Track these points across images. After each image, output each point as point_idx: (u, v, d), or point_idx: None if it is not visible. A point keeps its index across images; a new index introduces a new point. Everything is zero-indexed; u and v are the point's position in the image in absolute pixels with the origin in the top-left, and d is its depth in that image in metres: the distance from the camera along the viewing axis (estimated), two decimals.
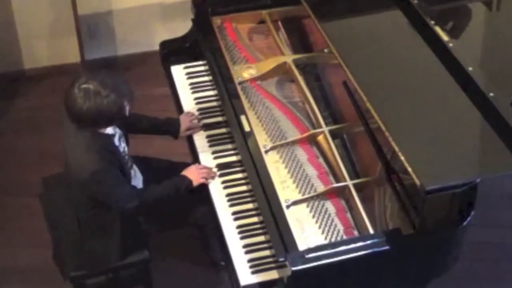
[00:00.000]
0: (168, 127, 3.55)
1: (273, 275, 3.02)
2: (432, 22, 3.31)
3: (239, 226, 3.18)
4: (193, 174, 3.31)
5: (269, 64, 3.61)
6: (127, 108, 3.10)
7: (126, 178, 3.24)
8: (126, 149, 3.30)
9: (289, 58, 3.61)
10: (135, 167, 3.42)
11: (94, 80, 3.02)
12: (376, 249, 2.87)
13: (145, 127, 3.51)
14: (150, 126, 3.52)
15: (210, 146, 3.50)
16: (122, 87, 3.07)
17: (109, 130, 3.17)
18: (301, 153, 3.30)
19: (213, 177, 3.32)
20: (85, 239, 3.37)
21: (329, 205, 3.13)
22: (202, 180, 3.30)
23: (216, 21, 3.85)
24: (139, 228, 3.40)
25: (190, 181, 3.29)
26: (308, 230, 3.04)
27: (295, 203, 3.12)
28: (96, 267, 3.39)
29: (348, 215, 3.10)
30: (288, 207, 3.09)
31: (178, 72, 3.83)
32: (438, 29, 3.28)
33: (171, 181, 3.31)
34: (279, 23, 3.85)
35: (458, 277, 3.28)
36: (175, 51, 3.90)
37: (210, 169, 3.34)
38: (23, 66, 4.95)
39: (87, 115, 3.01)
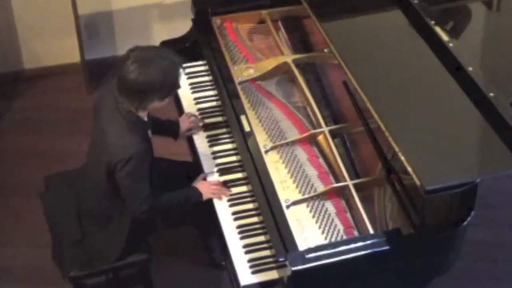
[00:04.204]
0: (168, 128, 3.55)
1: (273, 275, 3.02)
2: (432, 22, 3.31)
3: (239, 226, 3.18)
4: (204, 188, 3.30)
5: (269, 64, 3.61)
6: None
7: (150, 175, 3.25)
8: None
9: (289, 58, 3.61)
10: None
11: (148, 50, 3.05)
12: (376, 249, 2.87)
13: None
14: (152, 125, 3.52)
15: (210, 146, 3.50)
16: (176, 57, 3.11)
17: (146, 118, 3.19)
18: (301, 153, 3.30)
19: (224, 195, 3.30)
20: (87, 233, 3.37)
21: (329, 205, 3.13)
22: (211, 196, 3.29)
23: (216, 21, 3.85)
24: (148, 223, 3.39)
25: (200, 194, 3.29)
26: (308, 230, 3.04)
27: (295, 203, 3.12)
28: (96, 263, 3.38)
29: (348, 215, 3.10)
30: (288, 207, 3.09)
31: None
32: (438, 29, 3.28)
33: (182, 192, 3.31)
34: (279, 23, 3.86)
35: (458, 277, 3.28)
36: (175, 51, 3.89)
37: (222, 186, 3.32)
38: (23, 66, 4.95)
39: (152, 81, 2.99)
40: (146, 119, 3.21)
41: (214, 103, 3.67)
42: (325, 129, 3.31)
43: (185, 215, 3.47)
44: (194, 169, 3.44)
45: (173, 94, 3.15)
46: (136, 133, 3.11)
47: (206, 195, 3.29)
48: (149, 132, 3.26)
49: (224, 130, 3.55)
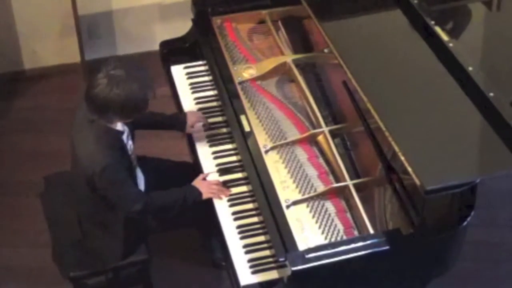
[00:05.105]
0: (175, 121, 3.53)
1: (273, 275, 3.02)
2: (432, 22, 3.31)
3: (239, 226, 3.18)
4: (203, 187, 3.28)
5: (269, 64, 3.61)
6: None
7: (133, 178, 3.24)
8: (132, 147, 3.30)
9: (289, 58, 3.61)
10: (137, 167, 3.42)
11: (121, 68, 2.99)
12: (376, 249, 2.87)
13: (152, 122, 3.50)
14: (157, 121, 3.52)
15: (210, 146, 3.50)
16: (147, 80, 3.05)
17: (119, 127, 3.16)
18: (301, 153, 3.30)
19: (223, 195, 3.28)
20: (86, 236, 3.37)
21: (329, 205, 3.13)
22: (211, 195, 3.28)
23: (216, 21, 3.85)
24: (141, 225, 3.39)
25: (200, 193, 3.27)
26: (308, 230, 3.04)
27: (295, 203, 3.12)
28: (97, 265, 3.38)
29: (348, 215, 3.10)
30: (288, 207, 3.09)
31: (178, 72, 3.83)
32: (438, 29, 3.28)
33: (180, 190, 3.28)
34: (279, 23, 3.86)
35: (458, 277, 3.28)
36: (175, 51, 3.91)
37: (222, 185, 3.30)
38: (23, 66, 4.95)
39: (114, 102, 2.96)
40: (118, 127, 3.16)
41: (214, 103, 3.67)
42: (325, 129, 3.31)
43: (185, 215, 3.47)
44: (194, 169, 3.44)
45: (138, 116, 3.12)
46: (104, 143, 3.07)
47: (205, 195, 3.28)
48: (125, 138, 3.21)
49: (224, 130, 3.55)
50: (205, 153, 3.47)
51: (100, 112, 3.03)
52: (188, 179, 3.37)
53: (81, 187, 3.25)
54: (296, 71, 3.55)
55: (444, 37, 3.25)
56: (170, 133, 3.67)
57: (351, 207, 3.10)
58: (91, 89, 2.99)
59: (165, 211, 3.30)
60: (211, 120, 3.60)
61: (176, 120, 3.53)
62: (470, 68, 3.09)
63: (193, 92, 3.73)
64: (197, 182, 3.32)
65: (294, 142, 3.33)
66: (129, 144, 3.26)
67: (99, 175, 3.07)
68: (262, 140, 3.33)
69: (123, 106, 3.00)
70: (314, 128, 3.37)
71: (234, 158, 3.42)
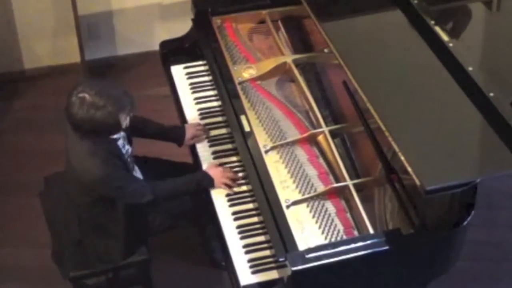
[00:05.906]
0: (173, 134, 3.53)
1: (273, 275, 3.02)
2: (432, 22, 3.31)
3: (239, 226, 3.18)
4: (216, 174, 3.27)
5: (269, 64, 3.61)
6: (126, 121, 3.08)
7: None
8: (129, 151, 3.30)
9: (289, 58, 3.61)
10: (136, 167, 3.42)
11: (91, 90, 2.99)
12: (376, 249, 2.87)
13: (151, 133, 3.51)
14: (156, 133, 3.52)
15: (210, 146, 3.50)
16: (122, 98, 3.03)
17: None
18: (301, 153, 3.30)
19: (235, 183, 3.27)
20: (86, 237, 3.37)
21: (329, 205, 3.13)
22: (223, 186, 3.27)
23: (216, 21, 3.85)
24: (141, 226, 3.39)
25: (211, 181, 3.26)
26: (308, 230, 3.04)
27: (295, 203, 3.12)
28: (97, 265, 3.38)
29: (348, 215, 3.10)
30: (288, 207, 3.09)
31: (178, 72, 3.83)
32: (438, 29, 3.28)
33: (192, 176, 3.29)
34: (279, 23, 3.86)
35: (458, 277, 3.28)
36: (175, 51, 3.90)
37: (235, 174, 3.30)
38: (23, 66, 4.95)
39: (82, 124, 3.01)
40: (111, 136, 3.16)
41: (214, 103, 3.67)
42: (325, 129, 3.31)
43: (185, 215, 3.47)
44: (194, 170, 3.44)
45: (110, 135, 3.14)
46: (96, 153, 3.07)
47: (218, 184, 3.26)
48: (121, 143, 3.21)
49: (224, 130, 3.55)
50: (205, 153, 3.47)
51: (76, 129, 3.07)
52: None
53: (77, 192, 3.24)
54: (296, 71, 3.55)
55: (444, 37, 3.25)
56: None
57: (351, 207, 3.10)
58: (66, 107, 3.03)
59: (175, 198, 3.32)
60: (211, 120, 3.60)
61: (174, 133, 3.52)
62: (470, 68, 3.09)
63: (193, 92, 3.74)
64: (210, 169, 3.30)
65: (294, 142, 3.33)
66: (126, 148, 3.26)
67: (97, 185, 3.09)
68: (262, 140, 3.33)
69: (92, 128, 3.02)
70: (314, 128, 3.37)
71: (234, 158, 3.42)
